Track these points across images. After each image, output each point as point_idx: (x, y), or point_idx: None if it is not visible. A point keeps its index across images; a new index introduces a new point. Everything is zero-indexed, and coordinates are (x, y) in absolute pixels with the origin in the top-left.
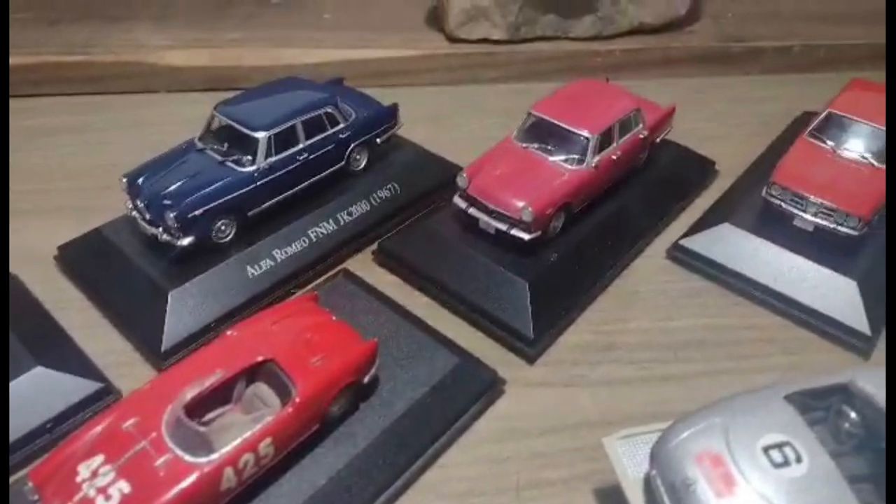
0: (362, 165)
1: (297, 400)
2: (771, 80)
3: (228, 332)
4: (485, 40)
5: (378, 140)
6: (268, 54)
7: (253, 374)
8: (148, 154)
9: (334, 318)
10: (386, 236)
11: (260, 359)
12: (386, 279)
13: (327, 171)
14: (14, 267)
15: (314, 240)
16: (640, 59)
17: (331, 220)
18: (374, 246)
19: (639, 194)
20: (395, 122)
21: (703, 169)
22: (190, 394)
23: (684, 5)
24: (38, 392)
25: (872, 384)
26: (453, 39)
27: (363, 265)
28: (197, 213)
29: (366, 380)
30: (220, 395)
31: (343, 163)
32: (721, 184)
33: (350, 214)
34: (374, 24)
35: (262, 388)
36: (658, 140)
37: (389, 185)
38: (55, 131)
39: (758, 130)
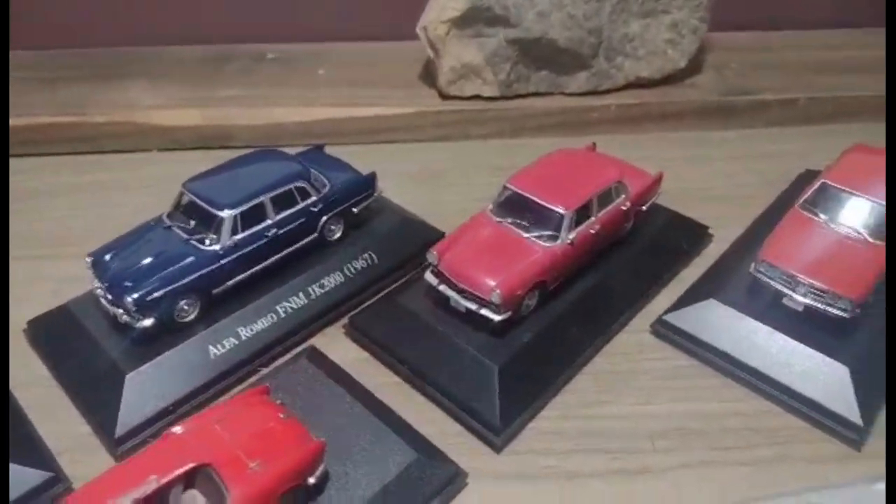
0: (338, 236)
1: None
2: (775, 134)
3: (174, 429)
4: (477, 97)
5: (354, 210)
6: (259, 113)
7: (191, 478)
8: (136, 215)
9: (283, 414)
10: (358, 310)
11: (194, 464)
12: (356, 354)
13: (299, 245)
14: None
15: (283, 315)
16: (637, 114)
17: (301, 294)
18: (346, 319)
19: (623, 265)
20: (373, 192)
21: (695, 234)
22: None
23: (684, 58)
24: None
25: None
26: (445, 96)
27: (334, 339)
28: (157, 295)
29: (312, 480)
30: (158, 500)
31: (316, 235)
32: (715, 250)
33: (322, 287)
34: (368, 80)
35: (196, 497)
36: (644, 208)
37: (366, 255)
38: (45, 193)
39: (758, 191)
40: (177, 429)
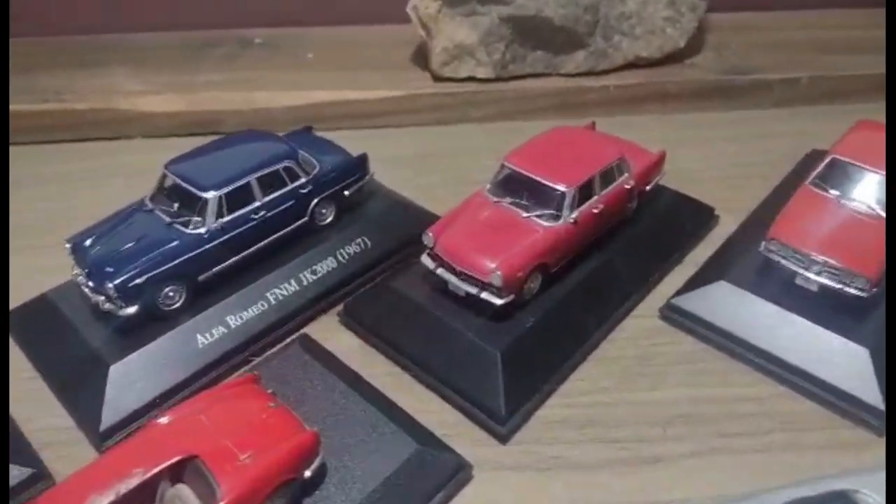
0: (329, 219)
1: None
2: (778, 114)
3: (159, 420)
4: (471, 78)
5: (346, 192)
6: (246, 97)
7: (178, 471)
8: (120, 204)
9: (273, 403)
10: (352, 296)
11: (182, 456)
12: (350, 343)
13: (288, 229)
14: None
15: (273, 302)
16: (636, 95)
17: (293, 281)
18: (341, 306)
19: (628, 247)
20: (365, 173)
21: (701, 216)
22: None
23: (684, 37)
24: None
25: (877, 492)
26: (438, 78)
27: (328, 327)
28: (139, 281)
29: (307, 474)
30: (143, 494)
31: (306, 218)
32: (721, 232)
33: (314, 273)
34: (358, 63)
35: (184, 490)
36: (648, 188)
37: (359, 240)
38: (24, 182)
39: (763, 171)
40: (161, 419)
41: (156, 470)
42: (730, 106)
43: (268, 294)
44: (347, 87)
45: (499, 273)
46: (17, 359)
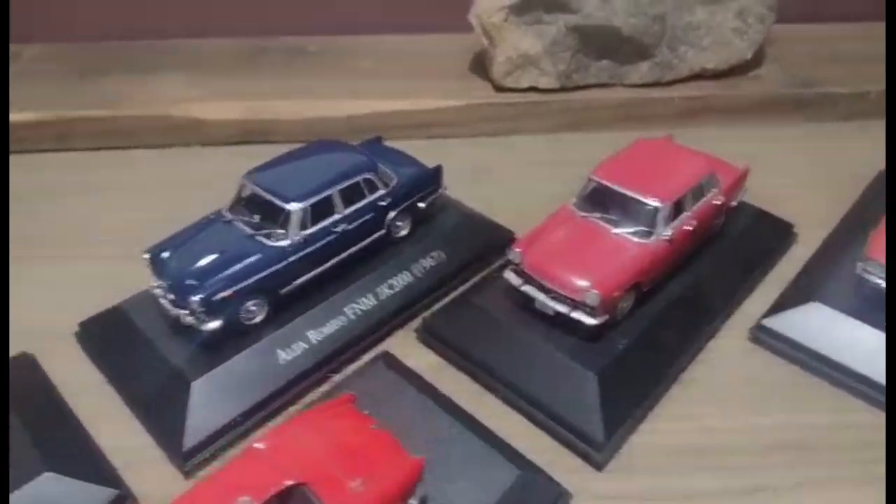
0: (404, 232)
1: None
2: (847, 127)
3: (256, 445)
4: (533, 89)
5: (421, 205)
6: (304, 106)
7: (283, 499)
8: (178, 212)
9: (373, 425)
10: (429, 312)
11: (290, 483)
12: (430, 360)
13: (366, 241)
14: (31, 344)
15: (352, 317)
16: (702, 107)
17: (370, 295)
18: (419, 321)
19: (713, 266)
20: (439, 185)
21: (780, 233)
22: None
23: (751, 48)
24: (46, 502)
25: None
26: (500, 88)
27: (405, 343)
28: (224, 294)
29: (414, 503)
30: None
31: (383, 231)
32: (801, 250)
33: (391, 287)
34: (416, 72)
35: None
36: (734, 204)
37: (434, 253)
38: (81, 190)
39: (838, 187)
40: (259, 444)
41: (265, 497)
42: (796, 119)
43: (346, 308)
44: (406, 97)
45: (595, 292)
46: (89, 371)
